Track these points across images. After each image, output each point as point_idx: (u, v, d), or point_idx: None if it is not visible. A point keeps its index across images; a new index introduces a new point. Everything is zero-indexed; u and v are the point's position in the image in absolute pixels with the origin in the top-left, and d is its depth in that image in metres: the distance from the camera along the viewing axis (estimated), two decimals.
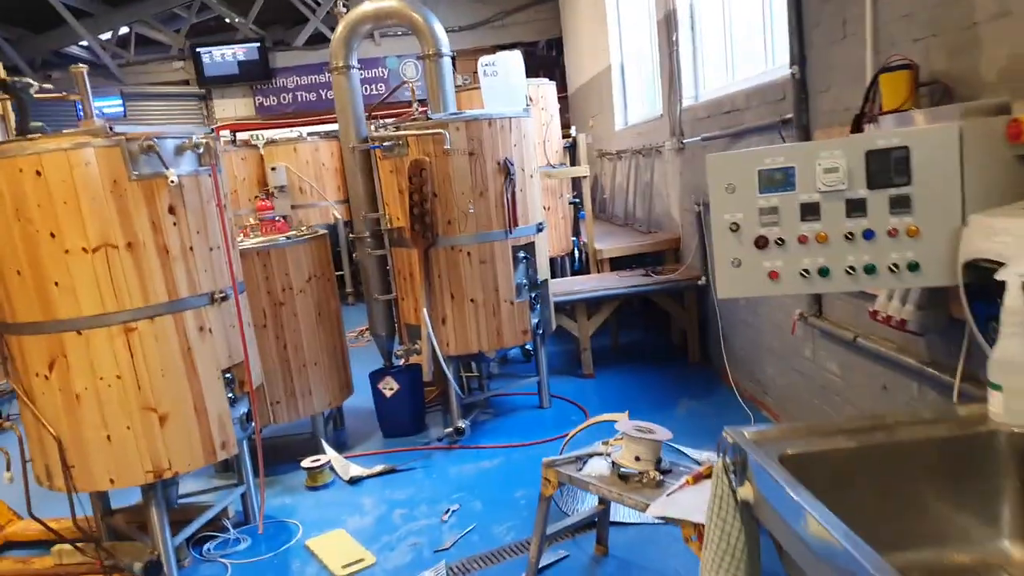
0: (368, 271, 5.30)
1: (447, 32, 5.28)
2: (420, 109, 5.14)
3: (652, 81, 7.99)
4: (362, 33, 5.14)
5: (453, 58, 5.14)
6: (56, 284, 3.17)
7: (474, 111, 4.94)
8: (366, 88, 13.01)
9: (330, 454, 4.80)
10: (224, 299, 3.59)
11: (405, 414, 5.28)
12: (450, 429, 4.99)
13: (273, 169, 10.69)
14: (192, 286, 3.44)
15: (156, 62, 12.48)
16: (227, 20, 12.13)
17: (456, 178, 4.81)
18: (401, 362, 5.20)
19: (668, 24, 6.49)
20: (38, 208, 3.12)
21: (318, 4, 11.88)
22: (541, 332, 5.30)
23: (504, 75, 5.22)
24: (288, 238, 4.86)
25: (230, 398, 3.64)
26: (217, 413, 3.52)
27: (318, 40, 12.42)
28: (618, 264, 7.02)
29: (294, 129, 12.10)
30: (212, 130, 12.32)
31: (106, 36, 11.81)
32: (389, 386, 5.23)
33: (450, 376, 4.95)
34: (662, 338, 7.13)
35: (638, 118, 8.78)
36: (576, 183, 7.45)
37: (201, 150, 3.51)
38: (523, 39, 12.95)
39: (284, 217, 10.44)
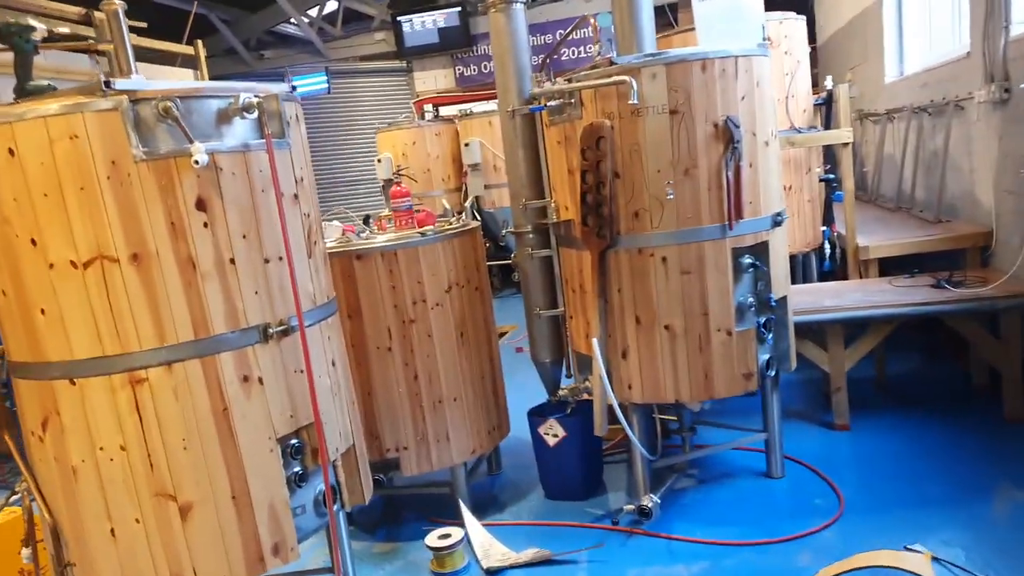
0: (529, 277, 3.97)
1: None
2: (605, 57, 3.66)
3: (951, 9, 5.70)
4: None
5: None
6: (42, 312, 2.22)
7: (680, 50, 3.36)
8: (571, 52, 11.65)
9: (469, 524, 3.58)
10: (285, 334, 2.45)
11: (573, 471, 3.91)
12: (632, 506, 3.54)
13: (467, 145, 9.77)
14: (233, 316, 2.34)
15: (357, 35, 12.16)
16: None
17: (649, 149, 3.28)
18: (570, 400, 3.84)
19: None
20: (14, 203, 2.17)
21: None
22: (774, 373, 3.61)
23: None
24: (423, 235, 3.67)
25: (296, 475, 2.51)
26: (267, 501, 2.40)
27: None
28: (889, 266, 5.00)
29: (493, 101, 11.11)
30: (412, 104, 11.76)
31: (313, 12, 11.67)
32: (552, 432, 3.89)
33: (632, 435, 3.47)
34: (953, 374, 4.98)
35: (922, 64, 6.47)
36: (830, 153, 5.50)
37: (253, 114, 2.37)
38: None
39: (475, 209, 9.52)
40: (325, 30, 12.04)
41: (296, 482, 2.52)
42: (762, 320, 3.50)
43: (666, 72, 3.23)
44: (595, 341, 3.39)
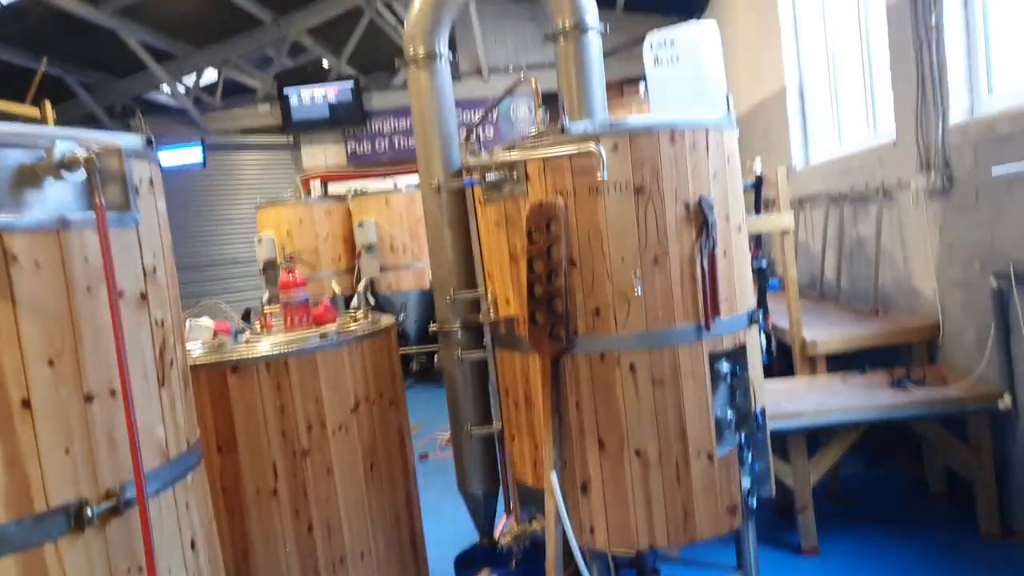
0: (456, 385, 3.21)
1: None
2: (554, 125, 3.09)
3: (866, 98, 5.67)
4: (456, 2, 3.17)
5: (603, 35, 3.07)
6: None
7: (643, 118, 2.84)
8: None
9: None
10: (115, 512, 1.56)
11: None
12: None
13: (360, 225, 9.00)
14: (21, 495, 1.44)
15: (239, 106, 11.25)
16: (322, 63, 10.83)
17: (612, 233, 2.68)
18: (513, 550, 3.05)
19: (917, 2, 4.22)
20: None
21: None
22: (754, 502, 3.00)
23: (692, 61, 3.09)
24: (324, 336, 2.85)
25: None
26: None
27: None
28: (833, 360, 4.63)
29: (388, 178, 10.50)
30: (298, 180, 10.89)
31: (190, 81, 10.72)
32: None
33: None
34: (907, 481, 4.60)
35: (832, 153, 6.44)
36: (761, 240, 5.19)
37: (78, 175, 1.56)
38: None
39: (369, 292, 8.70)
40: (203, 100, 11.07)
41: None
42: (742, 436, 2.91)
43: (631, 143, 2.68)
44: (552, 475, 2.65)
